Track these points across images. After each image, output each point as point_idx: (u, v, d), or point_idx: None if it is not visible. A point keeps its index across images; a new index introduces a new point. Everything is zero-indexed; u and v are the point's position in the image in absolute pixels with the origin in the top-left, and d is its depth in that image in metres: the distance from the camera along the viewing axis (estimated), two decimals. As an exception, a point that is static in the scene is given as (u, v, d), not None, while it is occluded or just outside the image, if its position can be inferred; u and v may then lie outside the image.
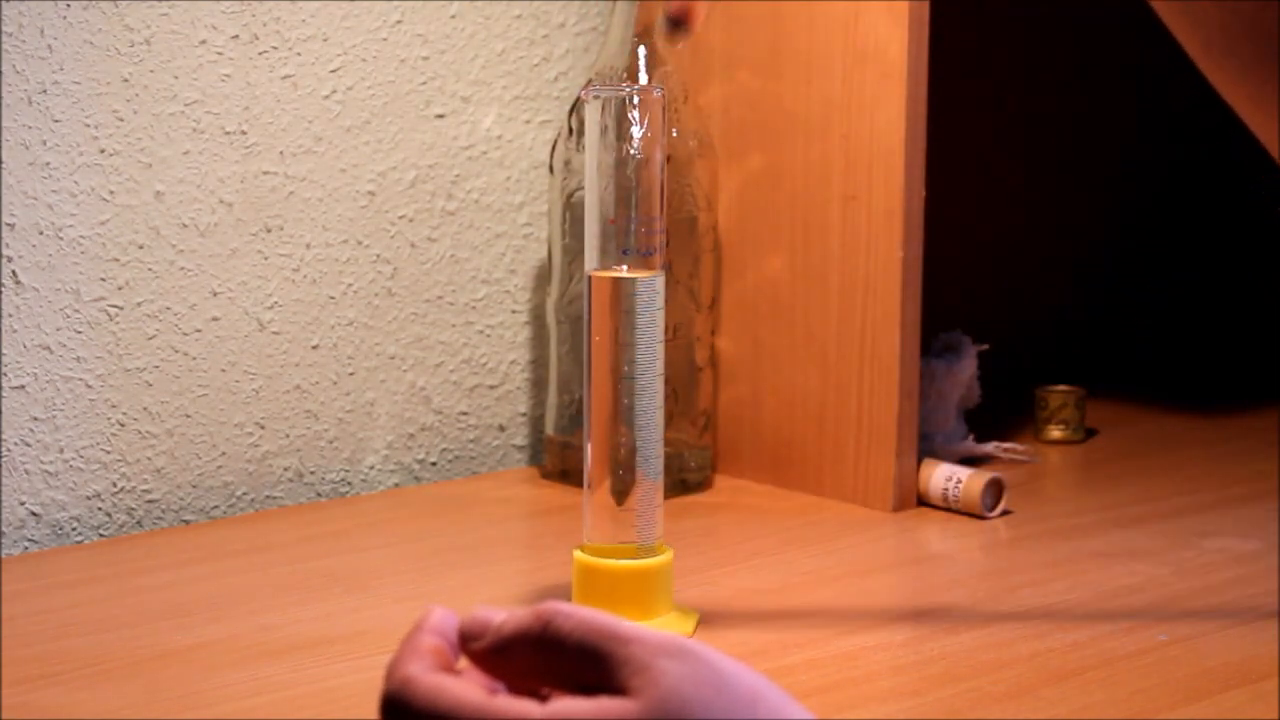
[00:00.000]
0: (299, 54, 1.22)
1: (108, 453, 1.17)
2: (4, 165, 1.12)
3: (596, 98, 0.99)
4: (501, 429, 1.34)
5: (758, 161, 1.26)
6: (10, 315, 1.13)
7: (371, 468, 1.28)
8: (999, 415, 1.38)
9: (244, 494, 1.23)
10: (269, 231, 1.22)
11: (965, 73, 1.46)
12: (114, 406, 1.17)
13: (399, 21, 1.26)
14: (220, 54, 1.19)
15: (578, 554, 1.00)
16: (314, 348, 1.25)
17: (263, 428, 1.23)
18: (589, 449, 1.00)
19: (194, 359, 1.20)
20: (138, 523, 1.19)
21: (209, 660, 0.95)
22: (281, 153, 1.22)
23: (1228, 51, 0.74)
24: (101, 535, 1.17)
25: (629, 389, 0.98)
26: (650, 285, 0.98)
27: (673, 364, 1.20)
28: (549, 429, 1.29)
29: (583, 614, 0.63)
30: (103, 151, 1.15)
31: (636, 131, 0.98)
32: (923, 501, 1.23)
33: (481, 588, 1.07)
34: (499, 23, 1.30)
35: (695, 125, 1.25)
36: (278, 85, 1.21)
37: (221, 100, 1.19)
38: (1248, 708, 0.91)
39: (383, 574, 1.10)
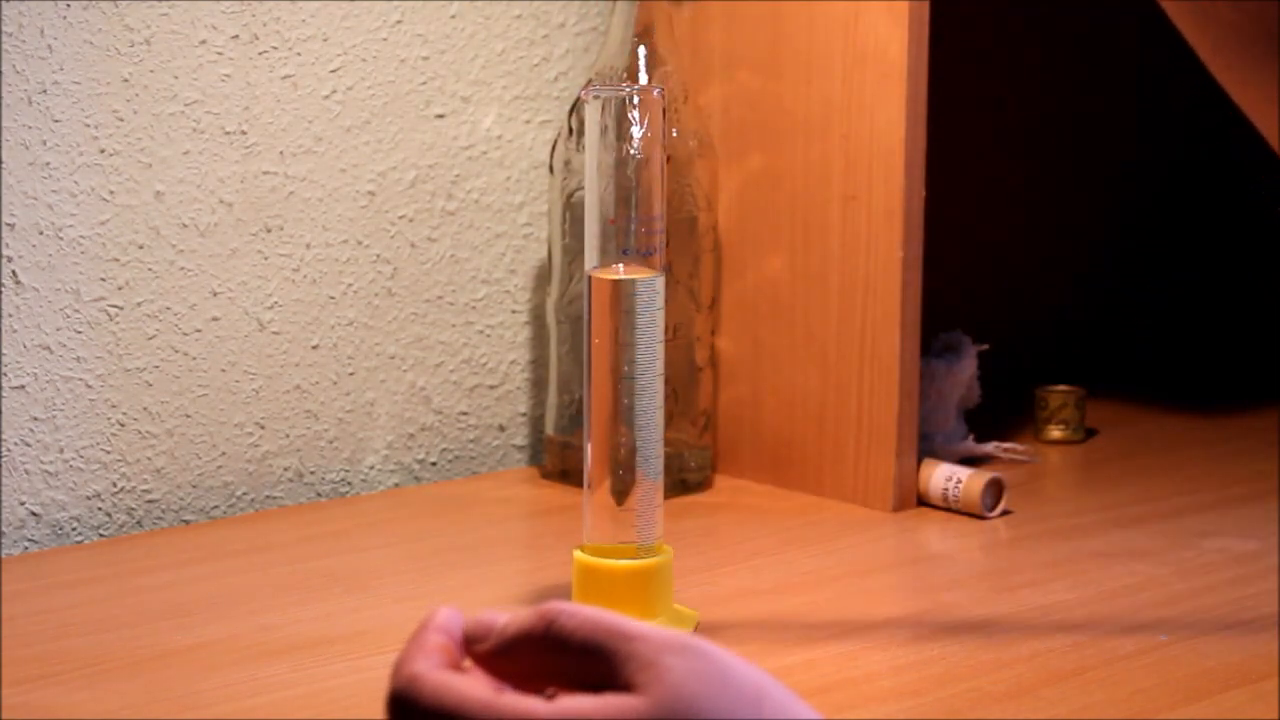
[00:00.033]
0: (299, 54, 1.22)
1: (108, 453, 1.17)
2: (4, 165, 1.12)
3: (596, 98, 0.99)
4: (501, 429, 1.34)
5: (758, 161, 1.26)
6: (10, 315, 1.13)
7: (371, 468, 1.28)
8: (999, 415, 1.38)
9: (244, 494, 1.23)
10: (269, 231, 1.22)
11: (965, 73, 1.46)
12: (114, 406, 1.17)
13: (399, 21, 1.26)
14: (220, 54, 1.19)
15: (578, 554, 1.00)
16: (314, 348, 1.25)
17: (263, 428, 1.23)
18: (589, 449, 1.00)
19: (194, 359, 1.20)
20: (138, 523, 1.19)
21: (209, 660, 0.95)
22: (281, 153, 1.22)
23: (1238, 51, 0.74)
24: (101, 535, 1.17)
25: (629, 389, 0.98)
26: (650, 285, 0.98)
27: (673, 364, 1.19)
28: (549, 429, 1.29)
29: (586, 612, 0.63)
30: (103, 151, 1.15)
31: (636, 131, 0.98)
32: (923, 501, 1.23)
33: (481, 588, 1.07)
34: (499, 23, 1.30)
35: (695, 125, 1.25)
36: (278, 85, 1.21)
37: (221, 100, 1.19)
38: (1248, 708, 0.91)
39: (383, 574, 1.10)
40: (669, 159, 1.18)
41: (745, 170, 1.27)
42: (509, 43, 1.31)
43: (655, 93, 0.99)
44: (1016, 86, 1.56)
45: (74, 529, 1.16)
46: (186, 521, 1.20)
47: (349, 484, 1.27)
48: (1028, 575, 1.10)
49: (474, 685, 0.62)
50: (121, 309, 1.17)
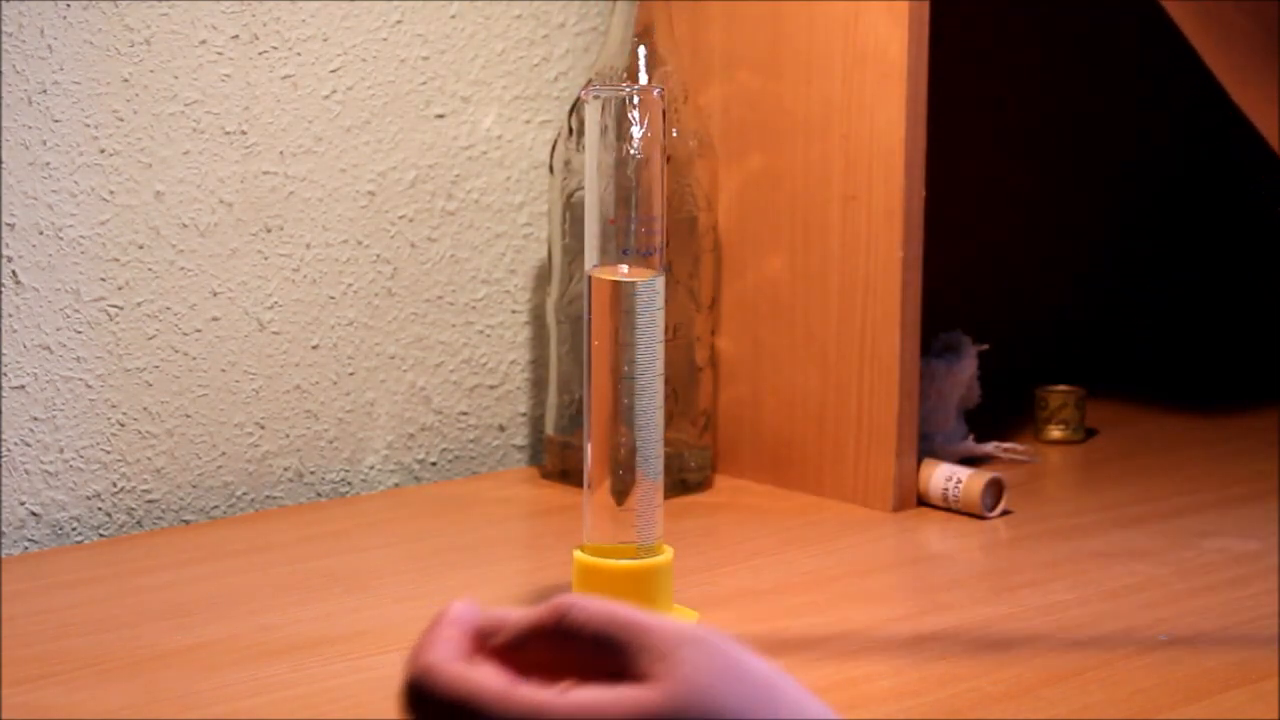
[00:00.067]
0: (299, 54, 1.22)
1: (108, 453, 1.17)
2: (4, 165, 1.12)
3: (596, 98, 0.99)
4: (501, 429, 1.34)
5: (758, 161, 1.26)
6: (10, 315, 1.13)
7: (371, 468, 1.28)
8: (999, 415, 1.38)
9: (244, 494, 1.23)
10: (269, 231, 1.22)
11: (965, 73, 1.46)
12: (114, 406, 1.17)
13: (399, 21, 1.26)
14: (220, 54, 1.19)
15: (578, 554, 1.00)
16: (314, 348, 1.25)
17: (263, 428, 1.23)
18: (589, 449, 1.00)
19: (194, 359, 1.20)
20: (138, 523, 1.19)
21: (209, 660, 0.95)
22: (281, 153, 1.22)
23: (1240, 51, 0.74)
24: (101, 535, 1.17)
25: (629, 389, 0.98)
26: (650, 286, 0.98)
27: (673, 364, 1.19)
28: (549, 429, 1.29)
29: (599, 605, 0.63)
30: (103, 151, 1.15)
31: (636, 131, 0.98)
32: (923, 501, 1.23)
33: (481, 588, 1.07)
34: (499, 23, 1.30)
35: (695, 125, 1.25)
36: (278, 85, 1.21)
37: (221, 100, 1.19)
38: (1248, 708, 0.91)
39: (383, 574, 1.10)
40: (669, 159, 1.18)
41: (745, 170, 1.27)
42: (509, 43, 1.31)
43: (655, 93, 0.99)
44: (1016, 86, 1.56)
45: (74, 529, 1.16)
46: (186, 521, 1.20)
47: (349, 484, 1.27)
48: (1028, 575, 1.10)
49: (489, 676, 0.62)
50: (121, 309, 1.17)
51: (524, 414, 1.34)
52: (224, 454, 1.22)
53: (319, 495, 1.26)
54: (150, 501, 1.19)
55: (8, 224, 1.12)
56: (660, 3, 1.23)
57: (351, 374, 1.26)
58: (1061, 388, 1.41)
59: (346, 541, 1.17)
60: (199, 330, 1.20)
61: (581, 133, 1.19)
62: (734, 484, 1.28)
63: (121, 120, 1.15)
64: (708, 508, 1.24)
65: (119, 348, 1.17)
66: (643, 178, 0.98)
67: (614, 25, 1.23)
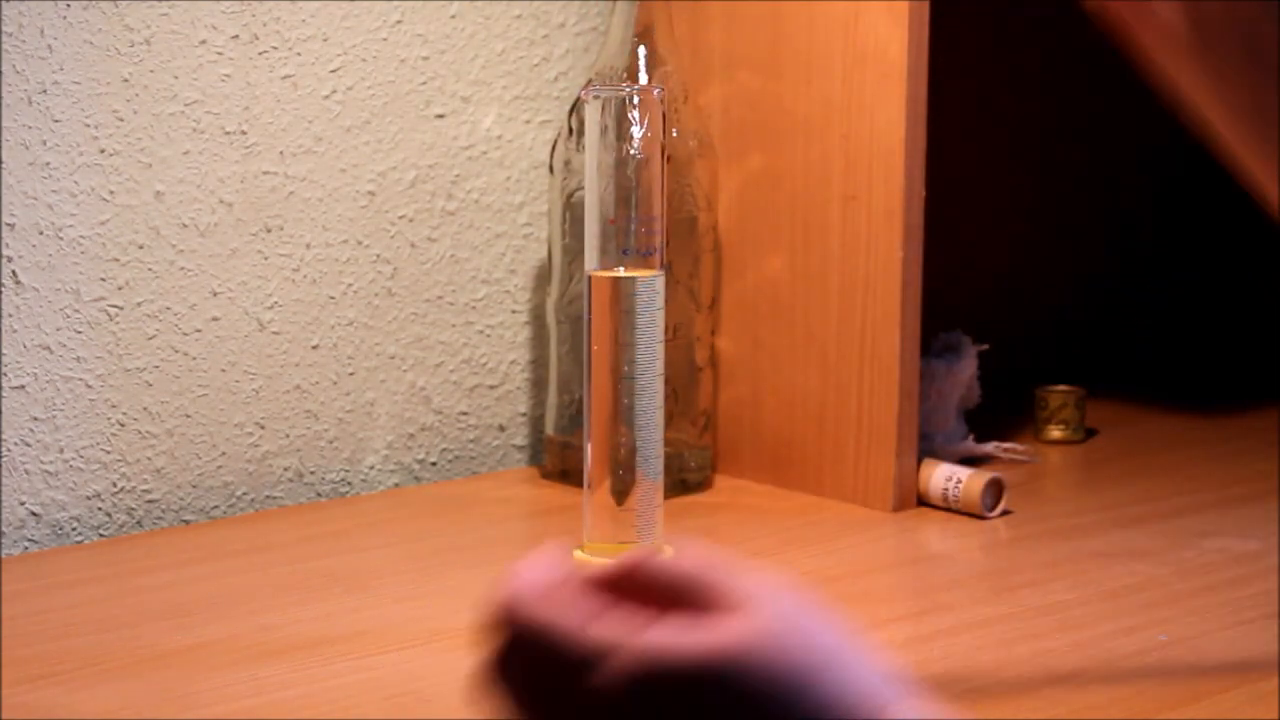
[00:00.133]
0: (299, 54, 1.22)
1: (108, 453, 1.17)
2: (4, 165, 1.12)
3: (596, 98, 0.99)
4: (501, 429, 1.34)
5: (758, 161, 1.26)
6: (10, 315, 1.13)
7: (371, 468, 1.28)
8: (999, 415, 1.38)
9: (244, 494, 1.23)
10: (269, 231, 1.22)
11: (965, 73, 1.46)
12: (114, 406, 1.17)
13: (399, 21, 1.26)
14: (220, 54, 1.19)
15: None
16: (314, 348, 1.25)
17: (263, 428, 1.23)
18: (589, 449, 1.00)
19: (194, 359, 1.20)
20: (138, 523, 1.19)
21: (209, 660, 0.95)
22: (281, 153, 1.22)
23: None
24: (101, 535, 1.17)
25: (629, 389, 0.98)
26: (650, 285, 0.98)
27: (673, 364, 1.19)
28: (549, 429, 1.29)
29: (684, 551, 0.63)
30: (103, 151, 1.15)
31: (636, 131, 0.98)
32: (923, 501, 1.23)
33: (481, 588, 1.07)
34: (499, 23, 1.30)
35: (695, 125, 1.25)
36: (278, 85, 1.21)
37: (221, 100, 1.19)
38: (1248, 708, 0.91)
39: (383, 574, 1.10)
40: (669, 159, 1.18)
41: (745, 170, 1.27)
42: (509, 43, 1.31)
43: (655, 93, 0.99)
44: (1016, 87, 1.56)
45: (74, 529, 1.16)
46: (186, 521, 1.20)
47: (349, 484, 1.27)
48: (1028, 575, 1.10)
49: (566, 612, 0.62)
50: (121, 309, 1.17)
51: (524, 414, 1.34)
52: (224, 454, 1.22)
53: (319, 495, 1.26)
54: (150, 501, 1.19)
55: (8, 224, 1.12)
56: (660, 3, 1.23)
57: (351, 374, 1.26)
58: (1061, 388, 1.41)
59: (346, 541, 1.17)
60: (199, 330, 1.20)
61: (581, 133, 1.19)
62: (734, 484, 1.28)
63: (121, 120, 1.15)
64: (708, 508, 1.24)
65: (119, 348, 1.17)
66: (643, 178, 0.98)
67: (614, 25, 1.23)
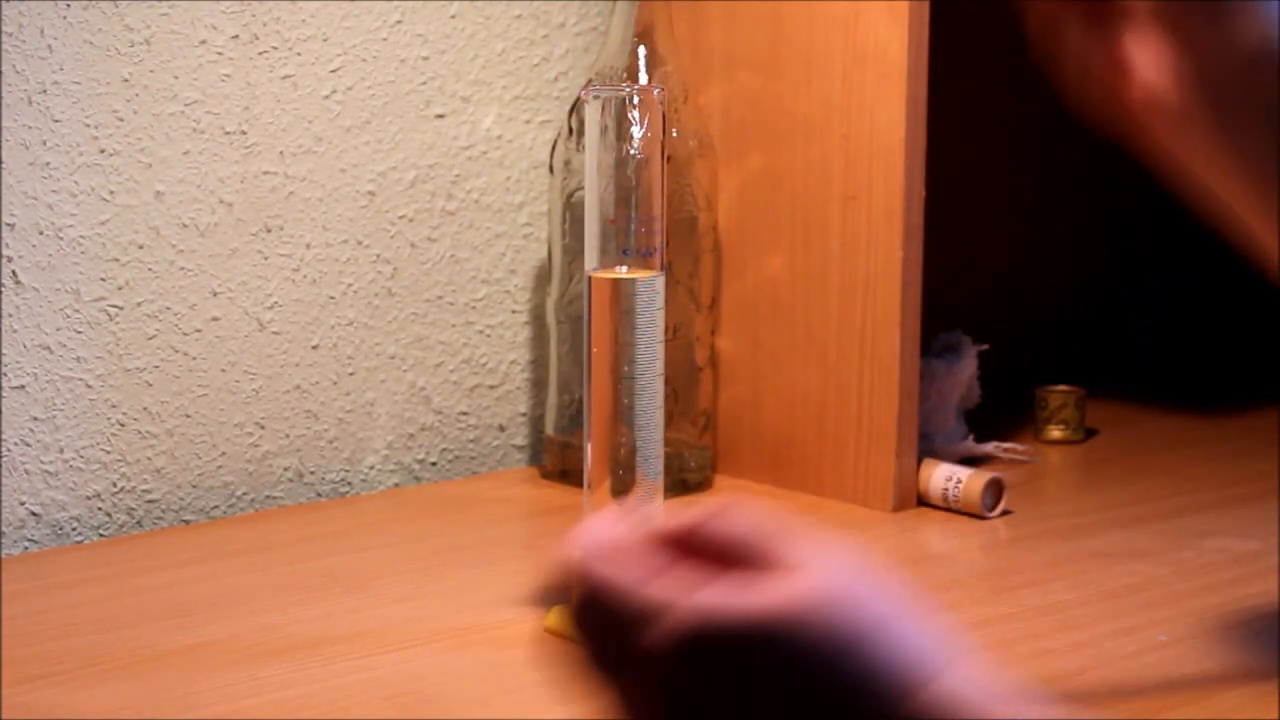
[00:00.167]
0: (299, 54, 1.22)
1: (108, 453, 1.17)
2: (4, 165, 1.12)
3: (596, 98, 0.99)
4: (501, 429, 1.34)
5: (758, 161, 1.26)
6: (10, 315, 1.13)
7: (371, 468, 1.28)
8: (999, 415, 1.38)
9: (244, 494, 1.23)
10: (269, 231, 1.22)
11: (965, 73, 1.46)
12: (114, 406, 1.17)
13: (399, 21, 1.26)
14: (220, 54, 1.19)
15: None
16: (314, 348, 1.25)
17: (263, 428, 1.23)
18: (589, 449, 1.00)
19: (194, 359, 1.20)
20: (138, 523, 1.19)
21: (209, 660, 0.95)
22: (281, 153, 1.22)
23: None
24: (101, 535, 1.17)
25: (629, 389, 0.98)
26: (650, 285, 0.98)
27: (673, 364, 1.19)
28: (549, 429, 1.29)
29: (742, 511, 0.63)
30: (103, 151, 1.15)
31: (636, 131, 0.98)
32: (923, 501, 1.23)
33: (481, 588, 1.07)
34: (499, 23, 1.30)
35: (695, 125, 1.25)
36: (278, 85, 1.21)
37: (221, 100, 1.19)
38: (1248, 708, 0.91)
39: (383, 574, 1.10)
40: (669, 159, 1.18)
41: (745, 170, 1.27)
42: (509, 43, 1.31)
43: (655, 93, 0.99)
44: (1016, 86, 1.56)
45: (74, 529, 1.16)
46: (186, 521, 1.20)
47: (349, 484, 1.27)
48: (1028, 575, 1.10)
49: (624, 570, 0.62)
50: (121, 309, 1.17)
51: (524, 414, 1.34)
52: (224, 454, 1.22)
53: (319, 495, 1.26)
54: (150, 501, 1.19)
55: (8, 224, 1.12)
56: (660, 3, 1.23)
57: (351, 374, 1.26)
58: (1061, 388, 1.41)
59: (346, 541, 1.17)
60: (199, 330, 1.20)
61: (581, 133, 1.19)
62: (734, 484, 1.28)
63: (121, 120, 1.15)
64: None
65: (119, 348, 1.17)
66: (643, 178, 0.98)
67: (614, 25, 1.23)
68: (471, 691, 0.93)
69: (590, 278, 0.99)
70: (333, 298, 1.25)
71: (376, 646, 0.97)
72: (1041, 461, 1.35)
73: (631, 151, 0.98)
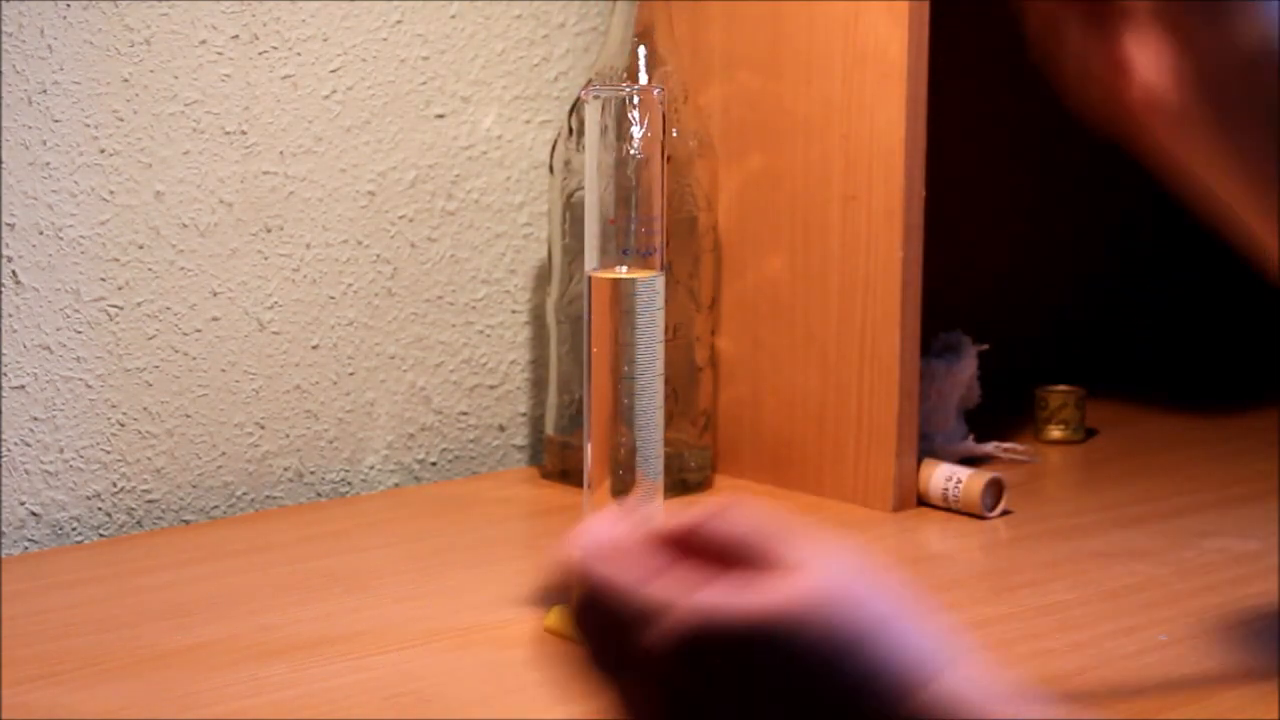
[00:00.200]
0: (299, 54, 1.22)
1: (108, 453, 1.17)
2: (4, 165, 1.12)
3: (596, 98, 0.99)
4: (501, 429, 1.34)
5: (758, 161, 1.26)
6: (10, 315, 1.13)
7: (371, 468, 1.28)
8: (999, 415, 1.38)
9: (244, 494, 1.23)
10: (269, 231, 1.22)
11: (965, 73, 1.46)
12: (114, 406, 1.17)
13: (399, 21, 1.26)
14: (220, 54, 1.19)
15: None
16: (314, 348, 1.25)
17: (263, 428, 1.23)
18: (589, 449, 1.00)
19: (194, 359, 1.20)
20: (138, 523, 1.19)
21: (209, 660, 0.95)
22: (281, 153, 1.22)
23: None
24: (101, 535, 1.17)
25: (629, 389, 0.98)
26: (650, 285, 0.98)
27: (673, 364, 1.19)
28: (549, 429, 1.29)
29: (743, 512, 0.63)
30: (103, 151, 1.15)
31: (636, 131, 0.98)
32: (923, 501, 1.23)
33: (481, 588, 1.07)
34: (499, 23, 1.30)
35: (695, 125, 1.25)
36: (278, 85, 1.21)
37: (221, 100, 1.19)
38: (1248, 708, 0.91)
39: (383, 574, 1.10)
40: (669, 159, 1.18)
41: (745, 170, 1.27)
42: (509, 43, 1.31)
43: (655, 93, 0.99)
44: (1016, 86, 1.56)
45: (74, 529, 1.16)
46: (186, 521, 1.20)
47: (349, 484, 1.27)
48: (1028, 575, 1.10)
49: (624, 570, 0.62)
50: (121, 309, 1.17)
51: (524, 414, 1.34)
52: (224, 454, 1.22)
53: (319, 495, 1.26)
54: (150, 501, 1.19)
55: (8, 224, 1.12)
56: (660, 3, 1.23)
57: (351, 374, 1.26)
58: (1061, 388, 1.41)
59: (346, 541, 1.17)
60: (199, 330, 1.20)
61: (581, 133, 1.19)
62: (734, 484, 1.28)
63: (121, 120, 1.15)
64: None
65: (119, 348, 1.17)
66: (643, 178, 0.98)
67: (614, 25, 1.23)
68: (471, 691, 0.93)
69: (590, 278, 0.99)
70: (333, 298, 1.25)
71: (376, 646, 0.97)
72: (1041, 461, 1.35)
73: (631, 151, 0.98)
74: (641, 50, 1.22)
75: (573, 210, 1.23)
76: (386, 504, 1.25)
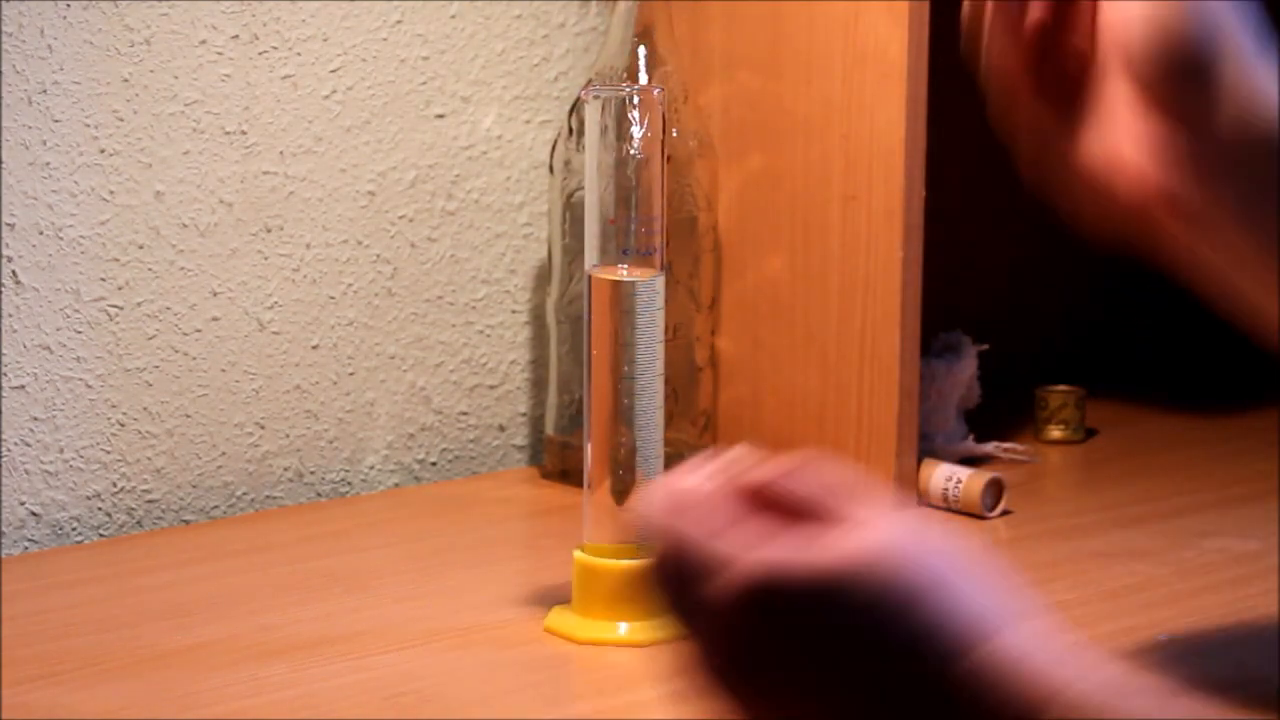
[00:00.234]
0: (299, 54, 1.22)
1: (108, 453, 1.17)
2: (4, 165, 1.12)
3: (596, 98, 0.99)
4: (501, 429, 1.34)
5: (758, 161, 1.26)
6: (10, 315, 1.13)
7: (371, 468, 1.28)
8: (999, 415, 1.38)
9: (244, 494, 1.23)
10: (269, 231, 1.22)
11: (965, 73, 1.46)
12: (114, 406, 1.17)
13: (399, 21, 1.26)
14: (220, 54, 1.19)
15: (578, 554, 1.00)
16: (314, 348, 1.25)
17: (263, 428, 1.23)
18: (589, 449, 1.00)
19: (194, 359, 1.20)
20: (138, 523, 1.19)
21: (209, 660, 0.95)
22: (281, 153, 1.22)
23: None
24: (101, 535, 1.17)
25: (629, 389, 0.98)
26: (650, 285, 0.98)
27: (673, 364, 1.19)
28: (549, 429, 1.29)
29: (813, 469, 0.65)
30: (103, 151, 1.15)
31: (636, 131, 0.98)
32: (923, 501, 1.23)
33: (481, 588, 1.07)
34: (499, 23, 1.30)
35: (695, 125, 1.25)
36: (278, 85, 1.21)
37: (221, 100, 1.19)
38: (1248, 708, 0.91)
39: (383, 574, 1.10)
40: (669, 159, 1.18)
41: (745, 170, 1.27)
42: (509, 43, 1.31)
43: (655, 93, 0.99)
44: (1016, 86, 1.56)
45: (74, 529, 1.16)
46: (186, 521, 1.20)
47: (349, 484, 1.27)
48: (1028, 575, 1.10)
49: (698, 523, 0.63)
50: (121, 309, 1.17)
51: (524, 414, 1.34)
52: (224, 454, 1.22)
53: (319, 495, 1.26)
54: (150, 501, 1.19)
55: (8, 224, 1.12)
56: (660, 3, 1.23)
57: (351, 374, 1.26)
58: (1061, 388, 1.41)
59: (346, 541, 1.17)
60: (199, 330, 1.20)
61: (581, 133, 1.19)
62: (734, 484, 1.28)
63: (121, 120, 1.15)
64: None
65: (119, 348, 1.17)
66: (643, 178, 0.98)
67: (614, 25, 1.23)
68: (471, 691, 0.93)
69: (590, 278, 0.99)
70: (333, 298, 1.25)
71: (376, 646, 0.97)
72: (1041, 461, 1.35)
73: (631, 151, 0.98)
74: (641, 50, 1.22)
75: (573, 210, 1.23)
76: (386, 504, 1.25)
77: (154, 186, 1.17)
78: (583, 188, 1.06)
